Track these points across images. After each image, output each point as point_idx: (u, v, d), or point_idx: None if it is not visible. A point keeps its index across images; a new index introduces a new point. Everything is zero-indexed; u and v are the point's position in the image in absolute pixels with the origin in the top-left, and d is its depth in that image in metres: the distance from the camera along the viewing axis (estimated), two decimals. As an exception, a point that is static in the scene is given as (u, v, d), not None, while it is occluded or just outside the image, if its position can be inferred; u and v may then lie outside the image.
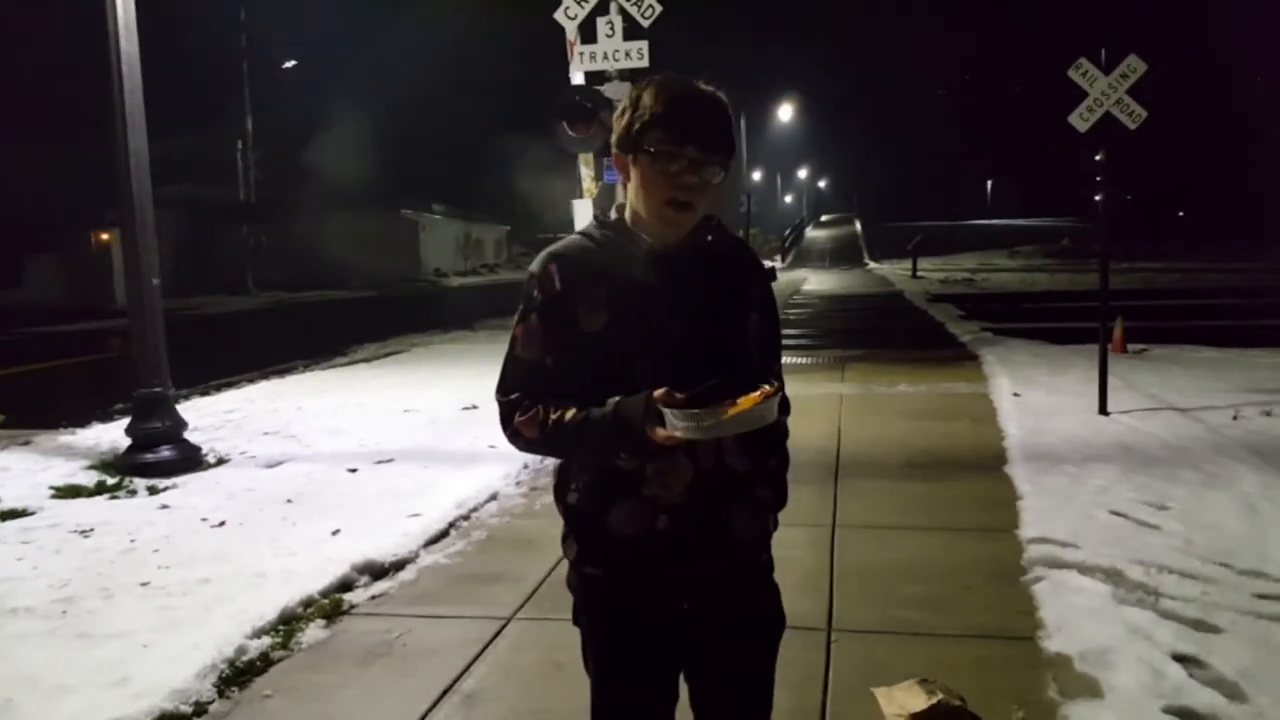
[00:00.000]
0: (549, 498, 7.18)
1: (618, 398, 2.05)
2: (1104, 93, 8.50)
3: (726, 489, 2.19)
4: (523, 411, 2.17)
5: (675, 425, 1.92)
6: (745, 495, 2.23)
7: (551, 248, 2.24)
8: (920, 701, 3.55)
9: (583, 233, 2.27)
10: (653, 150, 2.09)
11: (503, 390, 2.22)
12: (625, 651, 2.28)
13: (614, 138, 2.18)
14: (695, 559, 2.19)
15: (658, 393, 1.97)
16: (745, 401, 1.91)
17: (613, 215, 2.26)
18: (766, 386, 1.95)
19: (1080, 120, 8.66)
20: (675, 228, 2.16)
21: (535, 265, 2.22)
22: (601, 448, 2.09)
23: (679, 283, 2.15)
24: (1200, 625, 4.28)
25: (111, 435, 8.60)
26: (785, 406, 2.27)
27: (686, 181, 2.10)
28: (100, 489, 7.14)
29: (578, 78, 9.25)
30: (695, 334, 2.14)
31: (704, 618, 2.25)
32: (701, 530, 2.18)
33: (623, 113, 2.16)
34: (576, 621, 2.38)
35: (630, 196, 2.20)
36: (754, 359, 2.22)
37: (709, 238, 2.23)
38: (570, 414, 2.10)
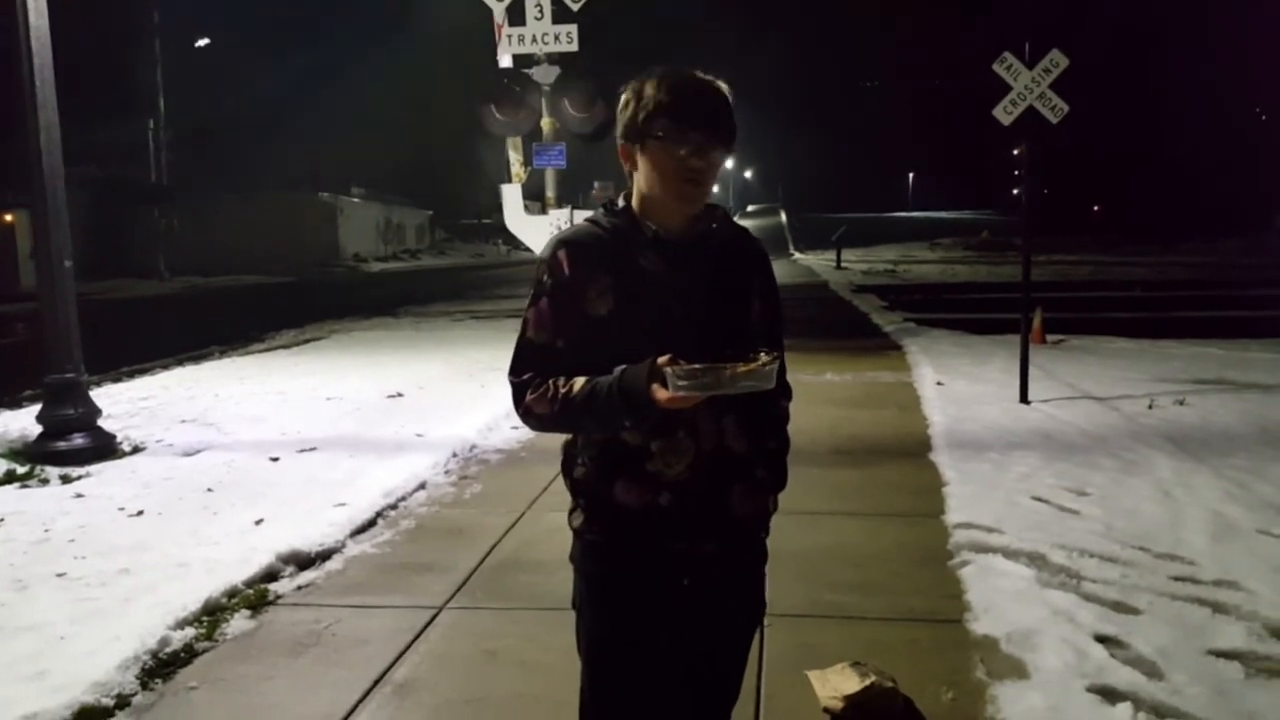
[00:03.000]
0: (479, 487, 7.16)
1: (623, 365, 2.10)
2: (1027, 87, 8.64)
3: (727, 469, 2.26)
4: (533, 390, 2.23)
5: (676, 384, 1.98)
6: (746, 476, 2.31)
7: (561, 234, 2.30)
8: (853, 684, 3.59)
9: (591, 220, 2.31)
10: (660, 135, 2.15)
11: (515, 372, 2.28)
12: (620, 621, 2.31)
13: (619, 130, 2.24)
14: (694, 536, 2.26)
15: (662, 359, 2.03)
16: (744, 367, 1.99)
17: (620, 203, 2.30)
18: (764, 355, 2.02)
19: (1004, 114, 8.79)
20: (690, 204, 2.22)
21: (545, 251, 2.28)
22: (607, 416, 2.13)
23: (684, 270, 2.22)
24: (1120, 607, 4.40)
25: (21, 422, 8.33)
26: (787, 391, 2.40)
27: (694, 164, 2.16)
28: (10, 478, 6.91)
29: (505, 61, 9.17)
30: (699, 320, 2.20)
31: (700, 598, 2.31)
32: (702, 508, 2.25)
33: (625, 105, 2.22)
34: (575, 604, 2.41)
35: (640, 184, 2.24)
36: (758, 346, 2.24)
37: (714, 226, 2.29)
38: (578, 385, 2.16)
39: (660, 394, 2.02)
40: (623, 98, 2.23)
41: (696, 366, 1.98)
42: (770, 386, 2.03)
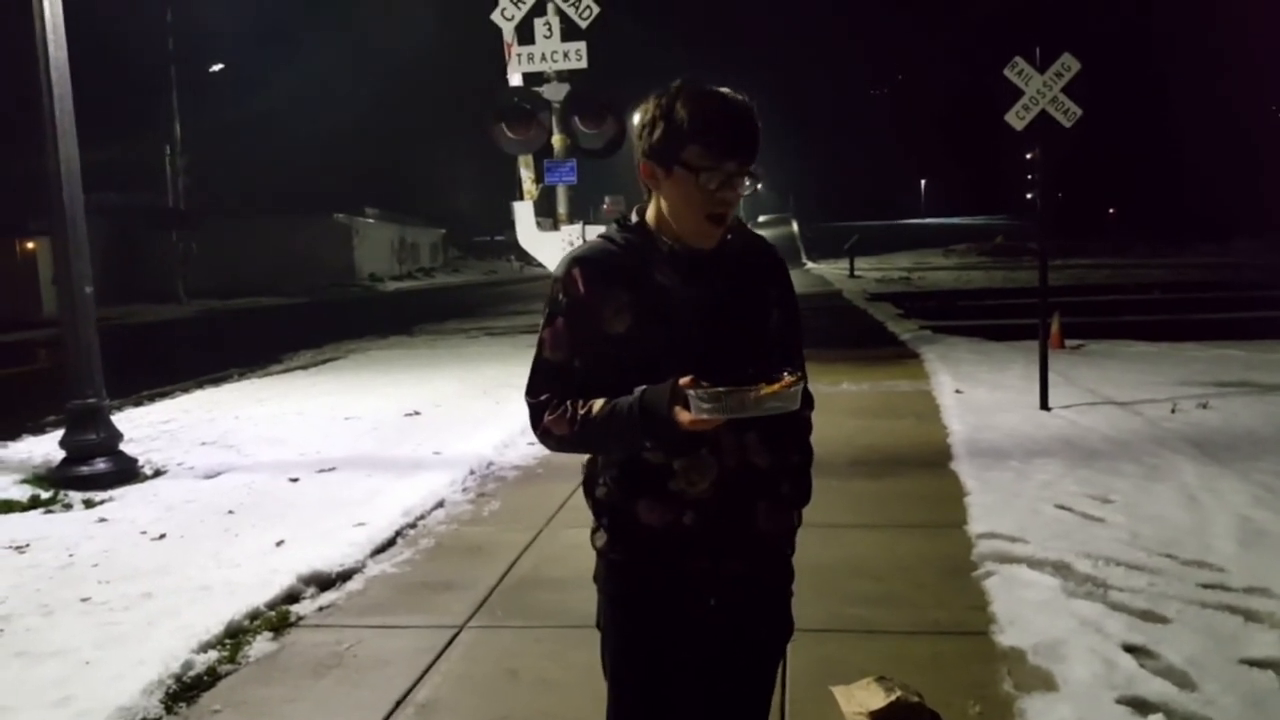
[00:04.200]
0: (497, 504, 7.15)
1: (644, 386, 2.07)
2: (1039, 91, 8.62)
3: (752, 485, 2.23)
4: (551, 411, 2.20)
5: (700, 407, 1.96)
6: (770, 492, 2.27)
7: (574, 252, 2.27)
8: (879, 699, 3.56)
9: (604, 236, 2.28)
10: (692, 166, 2.10)
11: (532, 392, 2.25)
12: (646, 642, 2.29)
13: (643, 146, 2.17)
14: (720, 554, 2.23)
15: (684, 380, 2.00)
16: (768, 388, 1.97)
17: (634, 218, 2.27)
18: (788, 376, 2.00)
19: (1016, 119, 8.77)
20: (710, 241, 2.19)
21: (559, 269, 2.25)
22: (628, 437, 2.11)
23: (700, 284, 2.19)
24: (1149, 616, 4.34)
25: (44, 448, 8.38)
26: (809, 401, 2.32)
27: (724, 197, 2.13)
28: (35, 503, 6.94)
29: (516, 79, 9.19)
30: (717, 334, 2.17)
31: (726, 618, 2.29)
32: (727, 526, 2.21)
33: (652, 122, 2.14)
34: (599, 624, 2.39)
35: (663, 205, 2.20)
36: (777, 355, 2.26)
37: (729, 237, 2.25)
38: (598, 406, 2.13)
39: (683, 416, 2.00)
40: (648, 112, 2.16)
41: (720, 389, 1.96)
42: (795, 408, 2.01)
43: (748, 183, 2.15)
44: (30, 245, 32.66)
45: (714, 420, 1.98)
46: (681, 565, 2.23)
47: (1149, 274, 30.88)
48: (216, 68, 44.37)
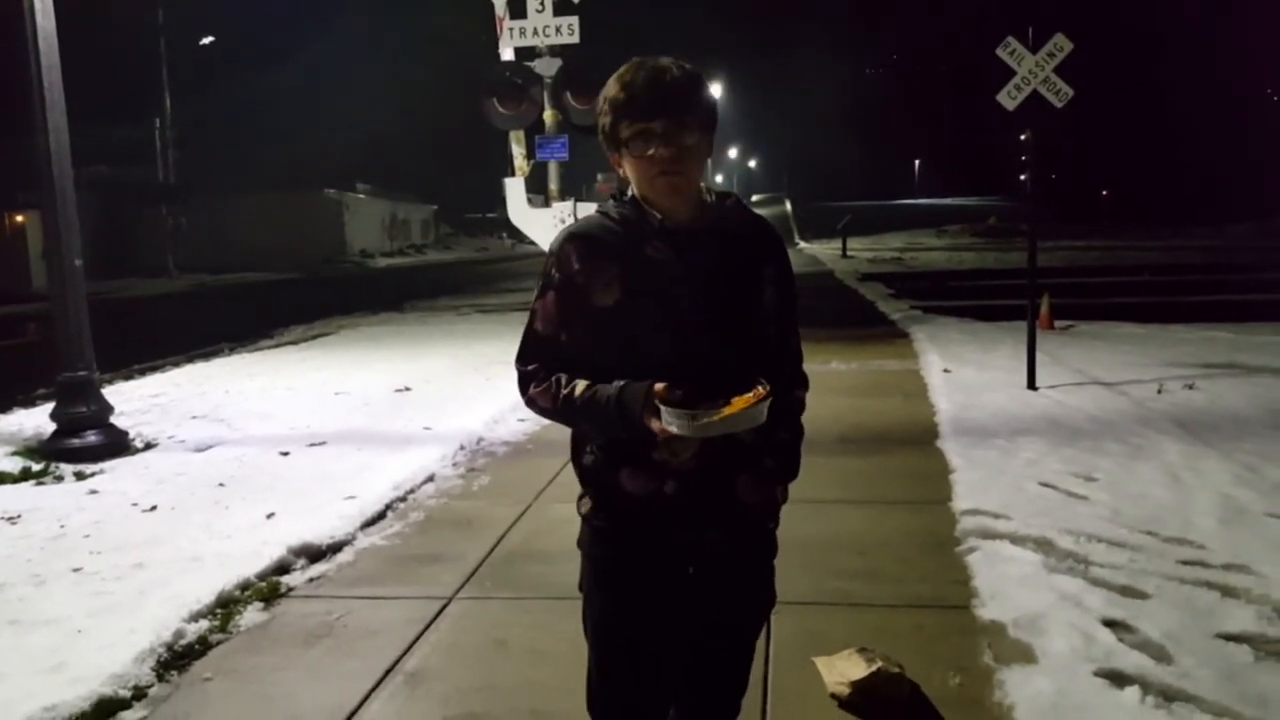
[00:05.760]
0: (487, 479, 7.18)
1: (623, 381, 2.12)
2: (1031, 71, 8.61)
3: (734, 459, 2.26)
4: (538, 383, 2.26)
5: (670, 422, 2.00)
6: (752, 465, 2.31)
7: (570, 226, 2.31)
8: (860, 670, 3.61)
9: (601, 210, 2.31)
10: (628, 138, 2.16)
11: (521, 360, 2.32)
12: (625, 606, 2.34)
13: (601, 139, 2.26)
14: (700, 523, 2.27)
15: (658, 387, 2.05)
16: (739, 402, 2.00)
17: (630, 192, 2.30)
18: (760, 388, 2.02)
19: (1008, 99, 8.76)
20: (676, 194, 2.21)
21: (554, 244, 2.29)
22: (605, 427, 2.17)
23: (692, 258, 2.21)
24: (1128, 591, 4.40)
25: (35, 421, 8.39)
26: (804, 381, 2.40)
27: (663, 154, 2.14)
28: (26, 475, 6.97)
29: (507, 54, 9.17)
30: (707, 309, 2.20)
31: (705, 586, 2.34)
32: (707, 496, 2.25)
33: (601, 113, 2.22)
34: (581, 586, 2.44)
35: (633, 184, 2.25)
36: (770, 333, 2.30)
37: (722, 214, 2.28)
38: (580, 389, 2.18)
39: (655, 426, 2.06)
40: (599, 106, 2.24)
41: (689, 411, 1.99)
42: (762, 420, 2.03)
43: (694, 135, 2.16)
44: (19, 219, 32.51)
45: (682, 434, 2.03)
46: (663, 533, 2.27)
47: (1141, 256, 30.90)
48: (206, 40, 44.11)
